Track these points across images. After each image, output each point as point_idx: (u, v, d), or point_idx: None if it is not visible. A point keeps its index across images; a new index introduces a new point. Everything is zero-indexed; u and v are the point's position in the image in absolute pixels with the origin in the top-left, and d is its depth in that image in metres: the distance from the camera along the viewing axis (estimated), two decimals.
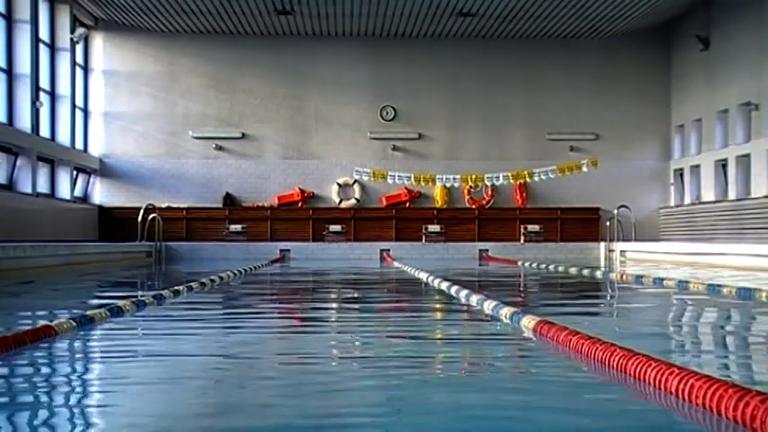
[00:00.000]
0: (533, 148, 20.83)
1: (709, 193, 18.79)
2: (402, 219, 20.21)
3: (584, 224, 20.42)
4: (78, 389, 2.81)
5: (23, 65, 16.01)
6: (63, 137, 18.39)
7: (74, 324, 4.30)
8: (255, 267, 12.56)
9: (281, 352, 3.78)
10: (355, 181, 20.27)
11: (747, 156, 17.24)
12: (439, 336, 4.61)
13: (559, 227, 20.37)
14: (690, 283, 8.17)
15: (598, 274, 11.41)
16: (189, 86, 20.58)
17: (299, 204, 20.40)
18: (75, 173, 18.65)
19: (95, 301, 7.30)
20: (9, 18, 15.80)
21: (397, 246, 19.26)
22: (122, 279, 11.21)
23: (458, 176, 19.19)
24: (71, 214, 18.26)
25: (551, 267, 12.64)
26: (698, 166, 19.56)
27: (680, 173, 20.63)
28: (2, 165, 15.46)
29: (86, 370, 3.15)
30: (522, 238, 20.04)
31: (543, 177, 19.17)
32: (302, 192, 20.43)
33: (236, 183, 20.50)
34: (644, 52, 21.09)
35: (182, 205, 19.97)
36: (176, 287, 7.30)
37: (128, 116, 20.42)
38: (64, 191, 18.09)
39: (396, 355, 3.61)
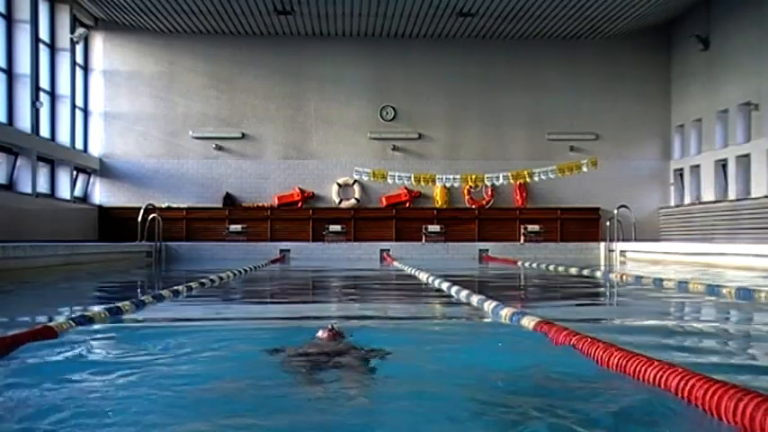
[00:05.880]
0: (533, 148, 20.82)
1: (708, 193, 18.78)
2: (402, 219, 20.20)
3: (584, 224, 20.41)
4: (77, 389, 2.81)
5: (23, 65, 16.00)
6: (63, 137, 18.38)
7: (73, 324, 4.29)
8: (255, 267, 12.56)
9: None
10: (355, 181, 20.26)
11: (747, 156, 17.23)
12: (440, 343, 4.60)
13: (559, 227, 20.36)
14: (689, 283, 8.17)
15: (598, 274, 11.41)
16: (189, 86, 20.57)
17: (299, 204, 20.39)
18: (75, 173, 18.64)
19: (95, 302, 7.30)
20: (9, 18, 15.79)
21: (397, 246, 19.25)
22: (122, 279, 11.21)
23: (458, 176, 19.19)
24: (71, 214, 18.25)
25: (551, 267, 12.64)
26: (698, 166, 19.55)
27: (680, 173, 20.62)
28: (2, 165, 15.45)
29: (86, 370, 3.14)
30: (522, 238, 20.03)
31: (543, 177, 19.16)
32: (302, 192, 20.42)
33: (236, 183, 20.50)
34: (644, 52, 21.08)
35: (182, 205, 19.97)
36: (176, 287, 7.30)
37: (128, 116, 20.42)
38: (64, 191, 18.08)
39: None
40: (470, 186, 20.02)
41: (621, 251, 17.52)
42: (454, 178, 19.18)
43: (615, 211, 18.19)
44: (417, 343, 3.63)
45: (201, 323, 5.30)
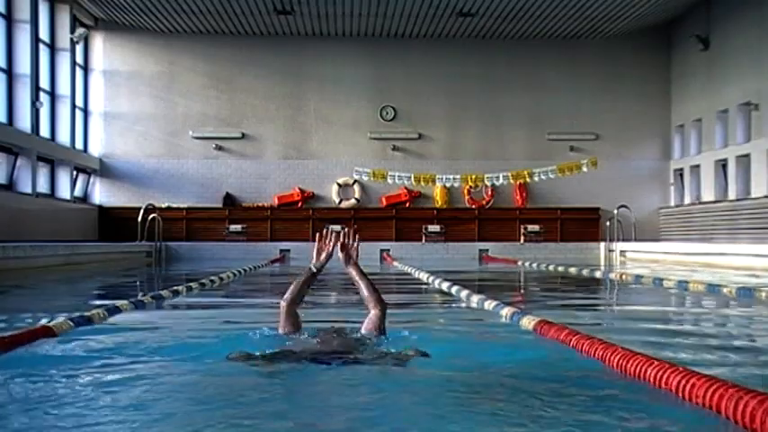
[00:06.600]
0: (533, 148, 20.81)
1: (708, 193, 18.78)
2: (402, 219, 20.20)
3: (584, 224, 20.41)
4: (76, 389, 2.80)
5: (23, 65, 16.00)
6: (63, 137, 18.38)
7: (72, 324, 4.28)
8: (255, 267, 12.56)
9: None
10: (355, 181, 20.26)
11: (747, 156, 17.23)
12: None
13: (559, 227, 20.36)
14: (689, 283, 8.16)
15: (598, 273, 11.41)
16: (189, 86, 20.57)
17: (299, 204, 20.39)
18: (75, 173, 18.64)
19: (94, 301, 7.29)
20: (9, 18, 15.78)
21: (397, 246, 19.24)
22: (122, 279, 11.20)
23: (458, 176, 19.19)
24: (71, 214, 18.25)
25: (551, 267, 12.64)
26: (698, 166, 19.54)
27: (680, 173, 20.62)
28: (2, 165, 15.44)
29: (85, 371, 3.14)
30: (522, 238, 20.02)
31: (543, 177, 19.16)
32: (302, 192, 20.42)
33: (236, 183, 20.49)
34: (644, 52, 21.07)
35: (182, 205, 19.96)
36: (175, 287, 7.29)
37: (128, 116, 20.41)
38: (64, 191, 18.08)
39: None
40: (470, 186, 20.02)
41: (621, 251, 17.51)
42: (454, 178, 19.18)
43: (615, 211, 18.18)
44: (418, 341, 3.63)
45: (201, 323, 5.30)
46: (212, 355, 3.45)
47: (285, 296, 3.66)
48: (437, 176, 19.22)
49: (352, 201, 20.48)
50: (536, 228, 20.13)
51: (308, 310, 5.40)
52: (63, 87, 18.48)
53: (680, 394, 2.41)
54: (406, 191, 20.42)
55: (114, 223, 19.48)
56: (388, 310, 3.72)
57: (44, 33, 17.44)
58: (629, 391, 2.69)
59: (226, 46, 20.57)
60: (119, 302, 5.45)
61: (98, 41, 20.25)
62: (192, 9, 18.58)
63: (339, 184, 20.51)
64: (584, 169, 19.14)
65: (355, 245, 3.75)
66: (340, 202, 20.47)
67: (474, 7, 18.49)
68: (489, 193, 20.59)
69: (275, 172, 20.59)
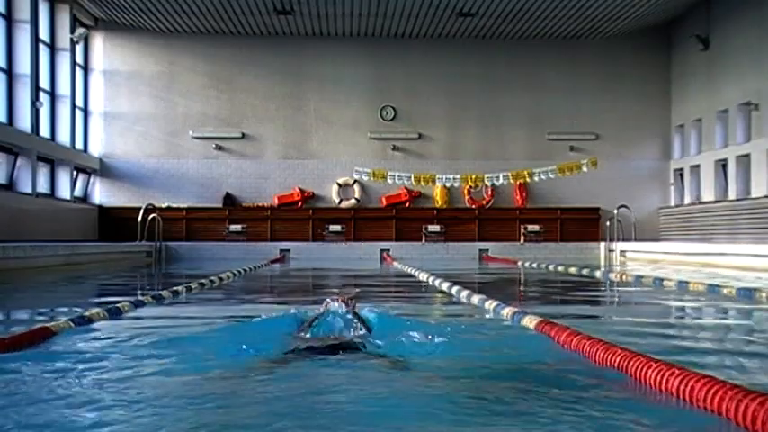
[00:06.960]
0: (533, 148, 20.82)
1: (708, 193, 18.78)
2: (402, 219, 20.20)
3: (584, 224, 20.41)
4: (76, 390, 2.80)
5: (23, 65, 16.00)
6: (63, 137, 18.38)
7: (72, 324, 4.28)
8: (255, 267, 12.55)
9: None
10: (355, 181, 20.26)
11: (747, 156, 17.23)
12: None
13: (559, 227, 20.36)
14: (690, 283, 8.16)
15: (598, 273, 11.40)
16: (189, 86, 20.57)
17: (299, 204, 20.39)
18: (75, 173, 18.64)
19: (94, 302, 7.29)
20: (9, 18, 15.79)
21: (397, 246, 19.25)
22: (122, 279, 11.20)
23: (458, 176, 19.19)
24: (71, 214, 18.25)
25: (551, 267, 12.63)
26: (698, 166, 19.55)
27: (680, 173, 20.62)
28: (2, 165, 15.44)
29: (84, 371, 3.14)
30: (522, 238, 20.02)
31: (543, 177, 19.16)
32: (302, 192, 20.42)
33: (236, 183, 20.49)
34: (644, 52, 21.08)
35: (182, 205, 19.97)
36: (175, 287, 7.29)
37: (128, 116, 20.42)
38: (64, 191, 18.08)
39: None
40: (470, 186, 20.02)
41: (621, 251, 17.51)
42: (454, 178, 19.19)
43: (615, 211, 18.18)
44: (418, 341, 3.63)
45: (201, 323, 5.29)
46: (212, 355, 3.45)
47: (299, 330, 3.90)
48: (437, 176, 19.23)
49: (352, 201, 20.48)
50: (536, 228, 20.14)
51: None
52: (63, 87, 18.48)
53: (680, 396, 2.41)
54: (406, 191, 20.42)
55: (114, 223, 19.48)
56: (389, 308, 3.73)
57: (44, 33, 17.44)
58: (629, 392, 2.69)
59: (226, 46, 20.57)
60: (119, 302, 5.44)
61: (98, 41, 20.25)
62: (192, 9, 18.58)
63: (339, 184, 20.51)
64: (584, 169, 19.14)
65: (354, 301, 4.39)
66: (340, 202, 20.47)
67: (474, 7, 18.49)
68: (489, 193, 20.59)
69: (275, 172, 20.59)
